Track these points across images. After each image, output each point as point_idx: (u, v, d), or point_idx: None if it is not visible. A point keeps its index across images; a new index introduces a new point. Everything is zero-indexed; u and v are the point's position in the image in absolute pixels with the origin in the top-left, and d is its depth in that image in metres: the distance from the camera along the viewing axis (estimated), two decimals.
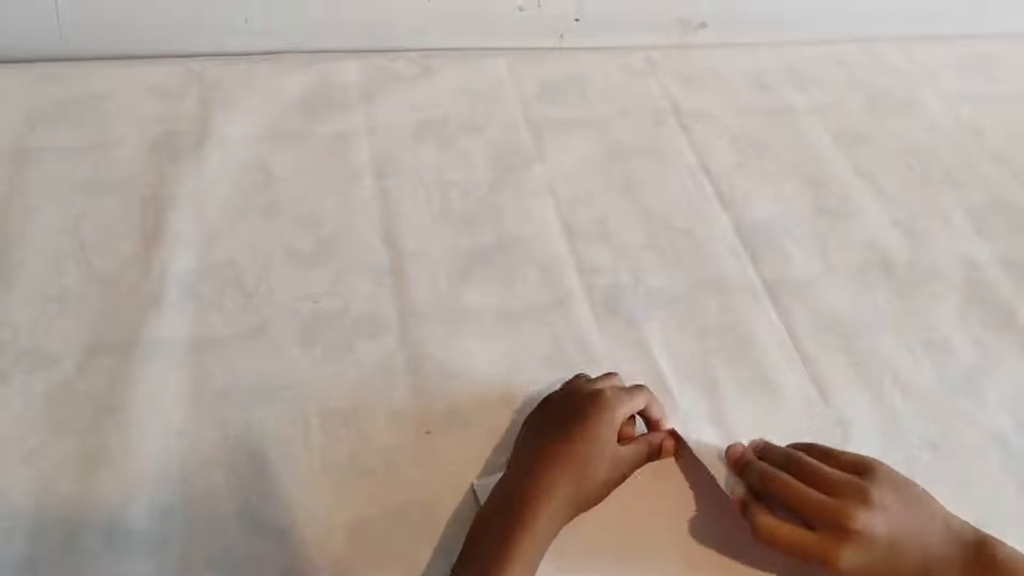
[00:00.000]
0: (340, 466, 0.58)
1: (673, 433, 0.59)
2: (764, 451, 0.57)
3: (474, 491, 0.56)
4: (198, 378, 0.61)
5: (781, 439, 0.62)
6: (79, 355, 0.61)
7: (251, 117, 0.80)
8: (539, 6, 0.90)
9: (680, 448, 0.59)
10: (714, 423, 0.62)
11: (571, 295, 0.69)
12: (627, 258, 0.73)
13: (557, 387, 0.60)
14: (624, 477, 0.55)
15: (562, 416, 0.55)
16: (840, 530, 0.48)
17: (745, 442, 0.58)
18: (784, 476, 0.52)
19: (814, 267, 0.74)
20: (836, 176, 0.83)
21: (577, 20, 0.93)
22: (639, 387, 0.59)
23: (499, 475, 0.54)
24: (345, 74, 0.85)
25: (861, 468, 0.52)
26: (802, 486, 0.51)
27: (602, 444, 0.53)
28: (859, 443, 0.62)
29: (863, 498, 0.49)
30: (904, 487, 0.52)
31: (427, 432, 0.60)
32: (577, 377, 0.61)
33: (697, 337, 0.68)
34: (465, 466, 0.58)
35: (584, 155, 0.81)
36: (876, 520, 0.48)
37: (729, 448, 0.58)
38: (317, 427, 0.60)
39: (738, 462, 0.56)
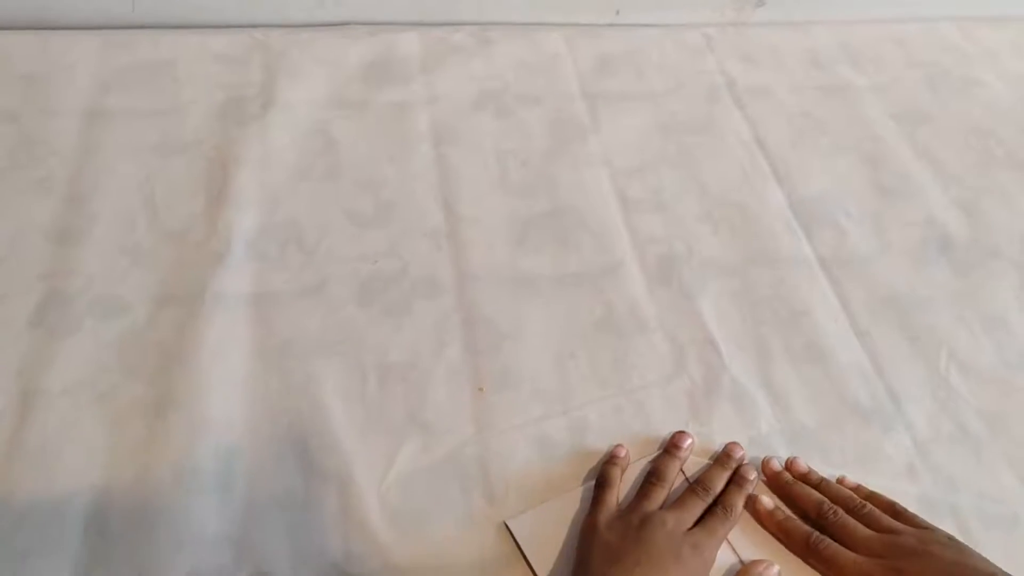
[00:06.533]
0: (396, 419, 0.59)
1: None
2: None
3: (508, 529, 0.55)
4: (260, 331, 0.63)
5: (832, 407, 0.62)
6: (149, 306, 0.64)
7: (314, 85, 0.82)
8: None
9: None
10: (764, 388, 0.63)
11: (624, 262, 0.70)
12: (681, 229, 0.73)
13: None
14: None
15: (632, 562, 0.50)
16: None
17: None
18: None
19: (871, 244, 0.74)
20: (894, 154, 0.82)
21: None
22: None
23: (531, 512, 0.55)
24: (406, 45, 0.87)
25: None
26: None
27: None
28: (912, 415, 0.62)
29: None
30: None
31: (480, 389, 0.61)
32: (641, 503, 0.55)
33: (750, 307, 0.68)
34: (516, 420, 0.60)
35: (639, 128, 0.82)
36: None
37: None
38: (374, 381, 0.61)
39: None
